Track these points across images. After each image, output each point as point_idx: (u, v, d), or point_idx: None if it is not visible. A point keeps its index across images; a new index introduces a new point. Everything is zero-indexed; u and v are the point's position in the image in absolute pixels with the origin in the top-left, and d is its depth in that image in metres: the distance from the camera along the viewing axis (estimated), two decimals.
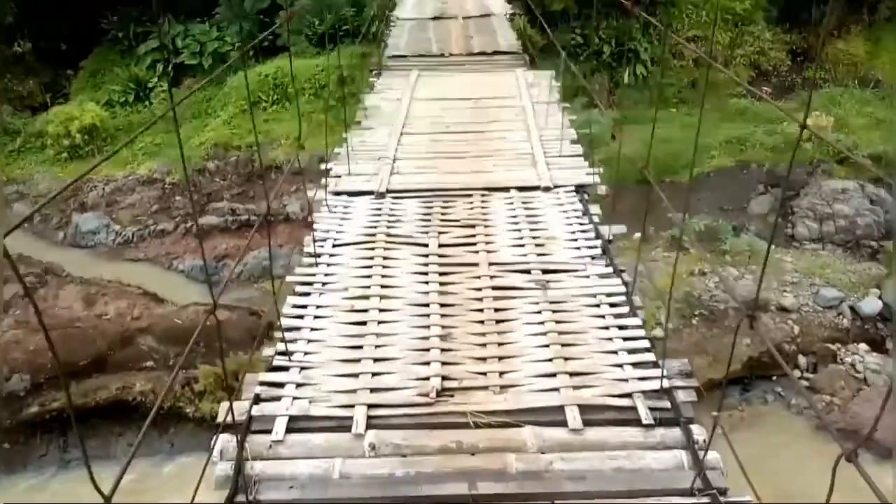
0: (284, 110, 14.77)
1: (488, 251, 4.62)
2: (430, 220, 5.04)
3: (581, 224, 4.86)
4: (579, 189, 5.32)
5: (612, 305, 4.03)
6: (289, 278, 4.36)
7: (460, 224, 4.97)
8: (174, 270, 13.12)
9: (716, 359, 11.36)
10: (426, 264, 4.51)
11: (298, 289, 4.27)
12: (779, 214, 13.21)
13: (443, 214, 5.12)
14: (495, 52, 8.33)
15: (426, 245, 4.73)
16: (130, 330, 11.62)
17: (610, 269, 4.34)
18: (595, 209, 5.05)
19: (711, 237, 13.09)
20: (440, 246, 4.72)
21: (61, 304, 11.42)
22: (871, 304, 11.45)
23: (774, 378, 11.18)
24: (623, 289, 4.14)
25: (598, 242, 4.62)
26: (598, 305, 4.04)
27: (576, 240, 4.69)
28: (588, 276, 4.29)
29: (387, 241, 4.76)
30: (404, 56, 8.39)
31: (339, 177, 5.68)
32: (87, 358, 10.31)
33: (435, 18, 9.67)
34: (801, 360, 11.32)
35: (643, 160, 12.85)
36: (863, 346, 11.26)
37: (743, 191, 13.82)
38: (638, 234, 13.11)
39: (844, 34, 15.55)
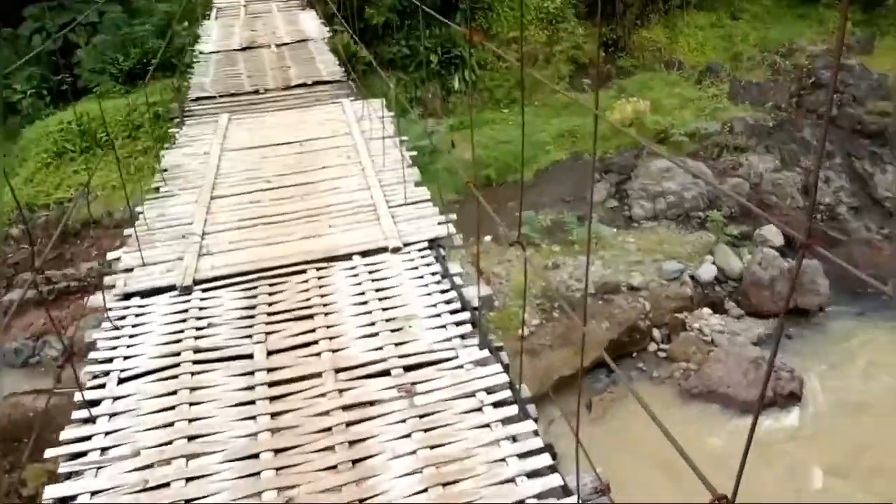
0: (96, 158, 12.54)
1: (333, 350, 3.36)
2: (253, 317, 3.68)
3: (442, 292, 3.73)
4: (433, 244, 4.18)
5: (497, 405, 2.95)
6: (49, 453, 2.84)
7: (293, 316, 3.66)
8: None
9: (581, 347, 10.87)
10: (251, 387, 3.18)
11: (63, 467, 2.77)
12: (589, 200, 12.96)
13: (270, 305, 3.77)
14: (317, 83, 6.98)
15: (250, 356, 3.38)
16: None
17: (486, 352, 3.25)
18: (455, 267, 3.94)
19: (559, 229, 12.66)
20: (269, 354, 3.39)
21: None
22: (707, 271, 11.48)
23: (634, 355, 10.92)
24: (505, 378, 3.08)
25: (466, 315, 3.51)
26: (480, 409, 2.94)
27: (439, 315, 3.55)
28: (461, 366, 3.18)
29: (195, 361, 3.35)
30: (211, 97, 6.80)
31: (131, 270, 4.13)
32: None
33: (245, 49, 8.08)
34: (656, 333, 11.12)
35: (483, 165, 11.64)
36: (706, 311, 11.26)
37: (581, 181, 13.51)
38: (489, 237, 12.38)
39: (646, 23, 15.75)
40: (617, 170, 13.35)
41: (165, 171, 5.31)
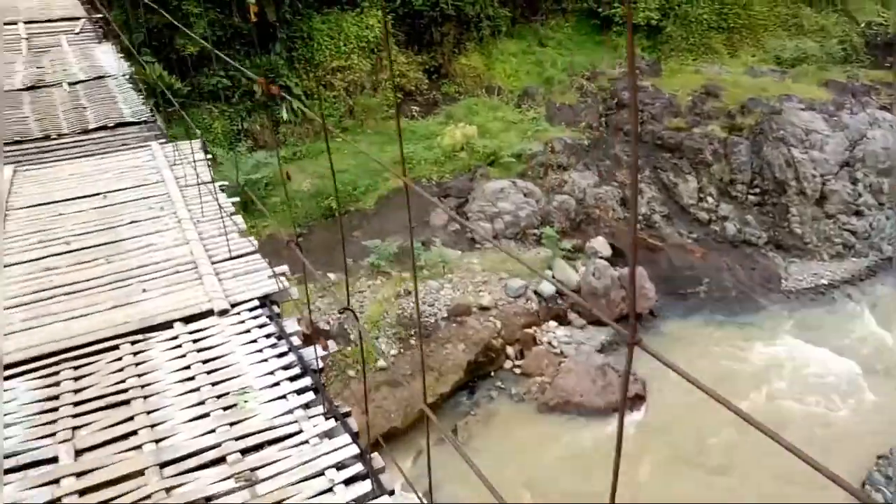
0: None
1: (156, 441, 2.95)
2: (56, 410, 3.14)
3: (279, 356, 3.44)
4: (265, 301, 3.88)
5: (349, 482, 2.73)
6: None
7: (106, 403, 3.18)
8: None
9: (440, 373, 10.96)
10: (57, 499, 2.67)
11: None
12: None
13: (76, 393, 3.25)
14: (119, 125, 6.31)
15: (54, 460, 2.87)
16: None
17: (332, 422, 3.02)
18: (292, 325, 3.67)
19: (406, 256, 12.71)
20: (78, 454, 2.90)
21: None
22: (548, 285, 12.15)
23: (493, 374, 11.22)
24: (355, 449, 2.87)
25: (308, 381, 3.26)
26: (331, 489, 2.69)
27: (277, 383, 3.26)
28: (307, 442, 2.92)
29: None
30: None
31: None
32: None
33: (30, 88, 7.11)
34: (510, 350, 11.53)
35: (323, 195, 11.43)
36: (553, 324, 11.89)
37: (421, 206, 13.72)
38: (333, 276, 12.11)
39: (463, 51, 16.46)
40: (455, 193, 13.73)
41: None
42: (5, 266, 4.25)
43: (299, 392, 3.19)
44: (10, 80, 7.31)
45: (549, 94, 15.68)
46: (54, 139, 6.10)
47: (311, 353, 3.41)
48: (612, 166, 13.92)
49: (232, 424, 3.02)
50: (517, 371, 11.27)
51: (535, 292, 12.16)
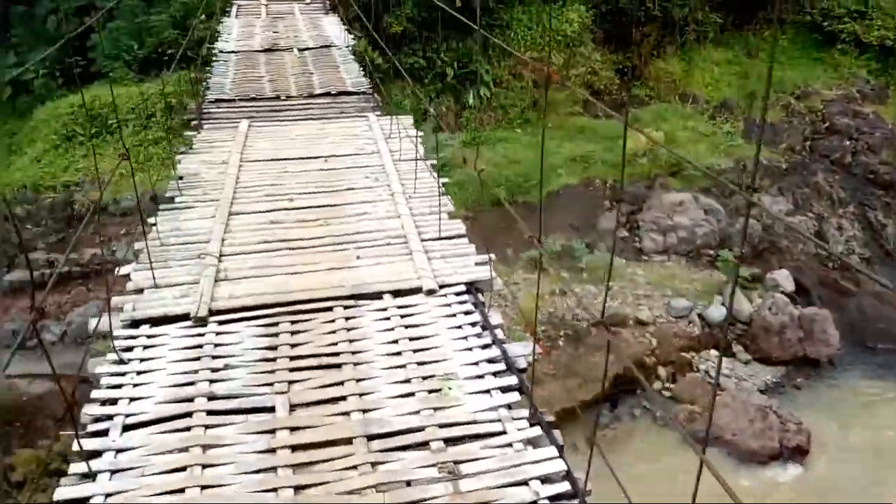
0: (106, 144, 12.20)
1: (364, 410, 2.95)
2: (274, 361, 3.26)
3: (483, 347, 3.33)
4: (471, 288, 3.78)
5: (554, 500, 2.55)
6: None
7: (319, 363, 3.25)
8: None
9: (585, 379, 10.50)
10: (272, 450, 2.76)
11: None
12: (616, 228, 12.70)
13: (293, 347, 3.36)
14: (341, 93, 6.58)
15: (271, 409, 2.97)
16: None
17: (537, 429, 2.84)
18: (496, 318, 3.55)
19: (568, 255, 12.32)
20: (292, 409, 2.98)
21: None
22: (716, 311, 11.17)
23: (639, 392, 10.57)
24: (562, 465, 2.67)
25: (513, 379, 3.11)
26: (535, 503, 2.54)
27: (482, 376, 3.14)
28: (510, 445, 2.77)
29: (210, 411, 2.93)
30: (231, 100, 6.37)
31: (141, 291, 3.70)
32: None
33: (266, 51, 7.65)
34: (661, 371, 10.78)
35: (494, 184, 11.29)
36: (713, 353, 10.95)
37: (591, 207, 13.20)
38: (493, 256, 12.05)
39: (662, 54, 15.50)
40: (628, 200, 13.05)
41: (181, 178, 4.88)
42: (238, 214, 4.56)
43: (503, 390, 3.04)
44: (250, 41, 7.91)
45: (749, 109, 14.33)
46: (283, 100, 6.49)
47: (515, 351, 3.26)
48: (811, 195, 12.45)
49: (436, 410, 2.95)
50: (666, 394, 10.54)
51: (700, 316, 11.25)
